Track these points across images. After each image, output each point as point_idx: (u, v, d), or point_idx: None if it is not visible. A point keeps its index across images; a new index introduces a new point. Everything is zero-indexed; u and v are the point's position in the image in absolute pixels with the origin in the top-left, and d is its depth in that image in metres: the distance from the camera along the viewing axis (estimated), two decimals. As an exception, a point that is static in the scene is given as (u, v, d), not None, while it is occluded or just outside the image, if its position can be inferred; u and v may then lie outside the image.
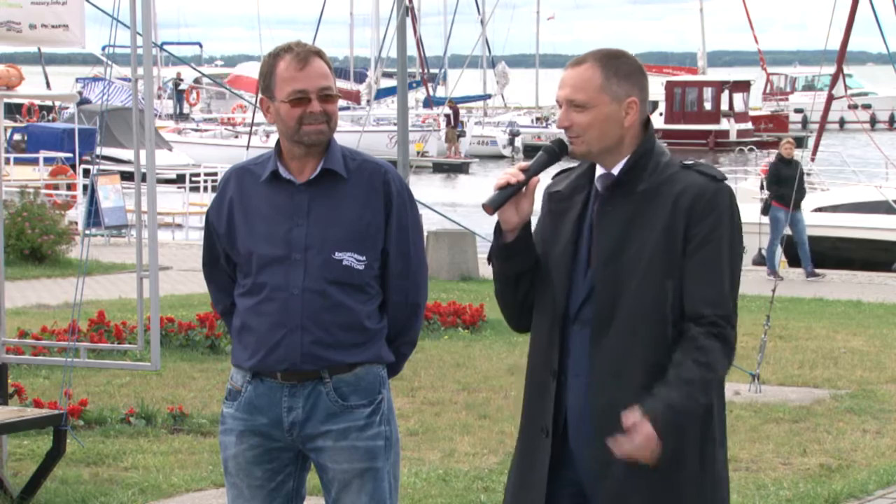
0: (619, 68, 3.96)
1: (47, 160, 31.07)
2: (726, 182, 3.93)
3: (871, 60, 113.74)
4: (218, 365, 11.47)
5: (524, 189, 3.94)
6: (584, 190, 3.99)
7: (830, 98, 27.73)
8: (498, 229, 3.98)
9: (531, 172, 3.93)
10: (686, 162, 3.97)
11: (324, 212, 4.40)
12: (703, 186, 3.89)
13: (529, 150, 57.14)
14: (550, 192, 4.04)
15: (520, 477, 4.06)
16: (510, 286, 4.04)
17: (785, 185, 19.71)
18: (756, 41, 70.53)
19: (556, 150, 3.99)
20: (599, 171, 3.98)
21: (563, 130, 3.98)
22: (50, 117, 52.02)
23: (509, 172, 3.93)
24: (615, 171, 3.95)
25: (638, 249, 3.87)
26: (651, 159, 3.95)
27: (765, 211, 20.53)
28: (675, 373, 3.82)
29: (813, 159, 26.80)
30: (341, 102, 4.55)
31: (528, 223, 3.97)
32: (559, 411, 3.96)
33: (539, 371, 4.01)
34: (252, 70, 63.94)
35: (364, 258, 4.42)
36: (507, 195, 3.91)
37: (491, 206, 3.91)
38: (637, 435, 3.77)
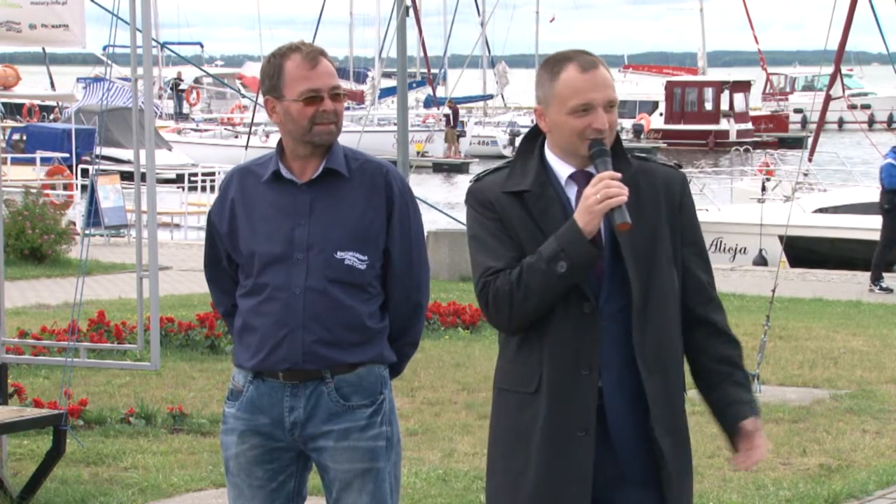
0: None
1: (44, 160, 31.07)
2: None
3: (872, 60, 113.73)
4: (218, 365, 11.46)
5: None
6: (548, 186, 4.00)
7: (828, 98, 27.72)
8: (590, 242, 3.87)
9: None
10: (639, 154, 4.09)
11: (326, 211, 4.40)
12: (678, 177, 4.08)
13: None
14: (516, 192, 4.00)
15: (551, 481, 3.95)
16: (561, 294, 3.95)
17: None
18: (756, 41, 70.53)
19: (608, 149, 3.97)
20: (568, 169, 4.00)
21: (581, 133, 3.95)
22: (51, 118, 52.02)
23: (614, 185, 3.85)
24: (591, 168, 3.97)
25: (648, 239, 3.96)
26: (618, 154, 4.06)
27: None
28: (736, 374, 4.08)
29: (810, 160, 26.81)
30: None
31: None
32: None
33: (567, 369, 3.95)
34: (255, 70, 63.93)
35: (366, 258, 4.42)
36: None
37: (628, 223, 3.85)
38: (761, 449, 4.08)
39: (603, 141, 3.94)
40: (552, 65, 3.99)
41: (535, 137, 4.07)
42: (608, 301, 3.95)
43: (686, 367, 4.11)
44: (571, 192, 4.00)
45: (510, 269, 3.95)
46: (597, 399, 3.94)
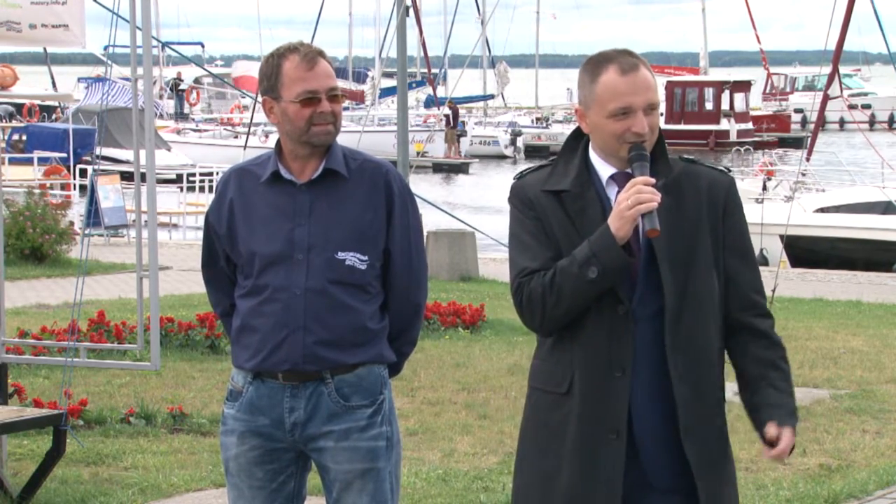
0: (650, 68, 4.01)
1: (42, 160, 31.07)
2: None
3: (874, 60, 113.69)
4: (218, 365, 11.46)
5: None
6: (589, 186, 3.96)
7: (826, 98, 27.71)
8: (624, 248, 3.86)
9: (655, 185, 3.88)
10: (686, 157, 4.04)
11: (326, 212, 4.39)
12: (725, 181, 4.04)
13: (531, 151, 57.15)
14: (554, 190, 3.97)
15: (583, 482, 3.93)
16: (593, 298, 3.92)
17: None
18: (758, 41, 70.52)
19: (648, 155, 3.92)
20: (609, 169, 3.96)
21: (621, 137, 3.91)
22: (53, 118, 52.01)
23: (646, 191, 3.82)
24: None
25: (688, 242, 3.92)
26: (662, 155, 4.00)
27: None
28: (776, 374, 4.06)
29: (808, 160, 26.78)
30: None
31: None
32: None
33: (599, 371, 3.92)
34: (250, 69, 63.82)
35: (366, 258, 4.41)
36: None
37: (658, 229, 3.82)
38: (777, 451, 4.05)
39: (643, 144, 3.90)
40: (593, 66, 3.95)
41: (581, 136, 4.04)
42: (641, 304, 3.91)
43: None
44: (612, 192, 3.95)
45: (545, 271, 3.92)
46: (627, 402, 3.91)
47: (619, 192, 3.92)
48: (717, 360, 4.01)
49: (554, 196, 3.96)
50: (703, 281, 3.94)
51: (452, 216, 21.94)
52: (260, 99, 4.50)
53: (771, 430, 3.98)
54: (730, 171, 4.07)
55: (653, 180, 3.85)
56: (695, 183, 3.96)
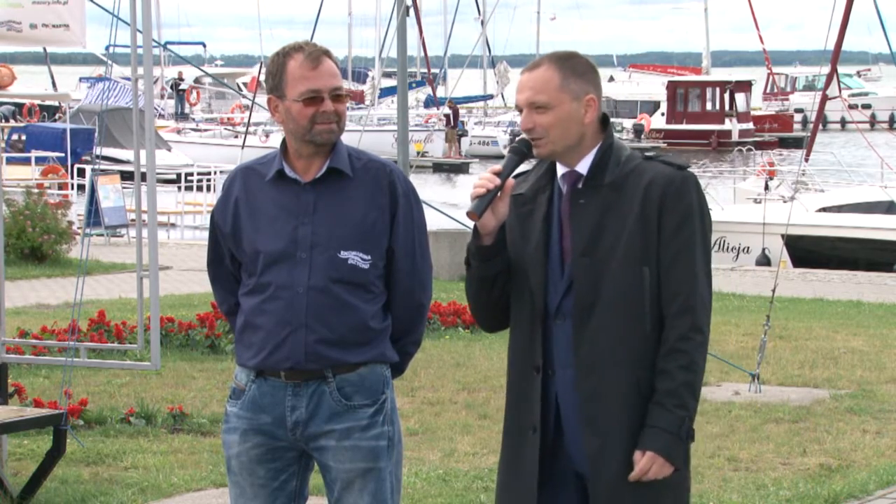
0: (575, 68, 4.07)
1: (39, 160, 31.06)
2: (690, 170, 4.08)
3: (874, 61, 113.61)
4: (218, 365, 11.46)
5: (500, 192, 4.04)
6: (546, 190, 4.09)
7: (825, 98, 27.70)
8: (475, 233, 4.08)
9: (504, 175, 4.05)
10: (648, 154, 4.12)
11: (329, 211, 4.41)
12: (670, 176, 4.02)
13: (530, 151, 56.99)
14: (513, 195, 4.10)
15: (508, 474, 4.14)
16: (486, 288, 4.13)
17: None
18: (761, 41, 70.56)
19: (524, 150, 4.09)
20: (561, 169, 4.09)
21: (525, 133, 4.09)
22: (56, 117, 51.97)
23: (484, 178, 4.02)
24: (580, 167, 4.06)
25: (613, 239, 3.98)
26: (613, 153, 4.06)
27: None
28: (663, 386, 3.97)
29: (807, 160, 26.77)
30: (342, 102, 4.56)
31: (503, 225, 4.08)
32: (547, 406, 4.05)
33: (522, 368, 4.09)
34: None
35: (369, 257, 4.42)
36: (488, 200, 4.02)
37: (476, 213, 4.01)
38: (649, 475, 3.97)
39: (528, 139, 4.05)
40: None
41: None
42: (563, 300, 4.03)
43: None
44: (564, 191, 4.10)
45: None
46: (541, 398, 4.04)
47: (566, 191, 4.06)
48: (637, 355, 3.98)
49: (513, 200, 4.11)
50: (622, 277, 3.98)
51: (454, 219, 21.89)
52: (264, 98, 4.53)
53: (636, 456, 3.96)
54: (687, 167, 4.07)
55: (498, 168, 4.04)
56: (638, 180, 4.01)
